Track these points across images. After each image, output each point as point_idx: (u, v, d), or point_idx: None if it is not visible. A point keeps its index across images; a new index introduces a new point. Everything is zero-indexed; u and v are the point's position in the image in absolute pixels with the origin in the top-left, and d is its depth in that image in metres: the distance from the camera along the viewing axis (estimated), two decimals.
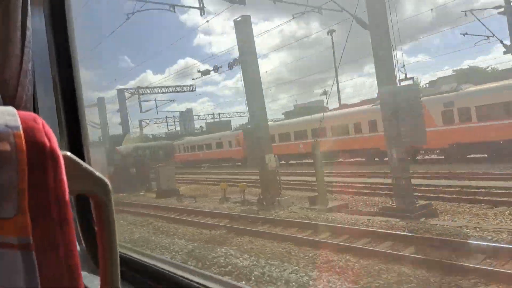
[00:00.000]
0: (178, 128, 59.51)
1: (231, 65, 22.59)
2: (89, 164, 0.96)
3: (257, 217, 12.27)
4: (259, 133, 15.11)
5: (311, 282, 6.67)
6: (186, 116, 63.26)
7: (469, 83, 21.90)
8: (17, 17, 1.00)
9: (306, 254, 8.04)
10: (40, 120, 0.50)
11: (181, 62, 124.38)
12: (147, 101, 32.25)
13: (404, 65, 11.07)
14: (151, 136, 53.43)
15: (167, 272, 1.68)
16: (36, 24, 1.55)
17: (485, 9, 24.76)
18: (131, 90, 30.72)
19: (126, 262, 1.78)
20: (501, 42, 24.18)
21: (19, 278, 0.47)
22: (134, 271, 1.73)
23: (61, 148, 0.51)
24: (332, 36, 45.33)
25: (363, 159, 25.96)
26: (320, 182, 13.25)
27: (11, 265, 0.46)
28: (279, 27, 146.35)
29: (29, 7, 1.04)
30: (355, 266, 7.21)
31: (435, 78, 26.92)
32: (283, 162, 27.97)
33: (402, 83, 10.77)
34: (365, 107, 25.72)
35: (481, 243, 7.57)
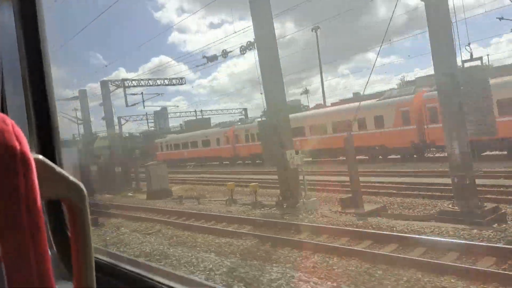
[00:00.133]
0: (152, 128, 57.07)
1: (243, 49, 20.52)
2: (62, 167, 0.79)
3: (289, 223, 10.49)
4: (278, 126, 13.30)
5: None
6: (161, 115, 61.02)
7: None
8: None
9: (392, 276, 6.31)
10: (9, 121, 0.47)
11: (155, 60, 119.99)
12: (134, 94, 29.79)
13: (469, 43, 9.50)
14: (127, 135, 50.50)
15: (143, 276, 1.63)
16: (5, 19, 1.57)
17: None
18: (116, 83, 28.17)
19: (101, 267, 1.66)
20: None
21: None
22: (109, 276, 1.66)
23: (32, 150, 0.48)
24: (316, 33, 44.55)
25: (398, 156, 24.35)
26: (356, 182, 11.61)
27: None
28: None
29: None
30: None
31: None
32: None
33: (467, 65, 9.26)
34: (370, 102, 24.43)
35: None
